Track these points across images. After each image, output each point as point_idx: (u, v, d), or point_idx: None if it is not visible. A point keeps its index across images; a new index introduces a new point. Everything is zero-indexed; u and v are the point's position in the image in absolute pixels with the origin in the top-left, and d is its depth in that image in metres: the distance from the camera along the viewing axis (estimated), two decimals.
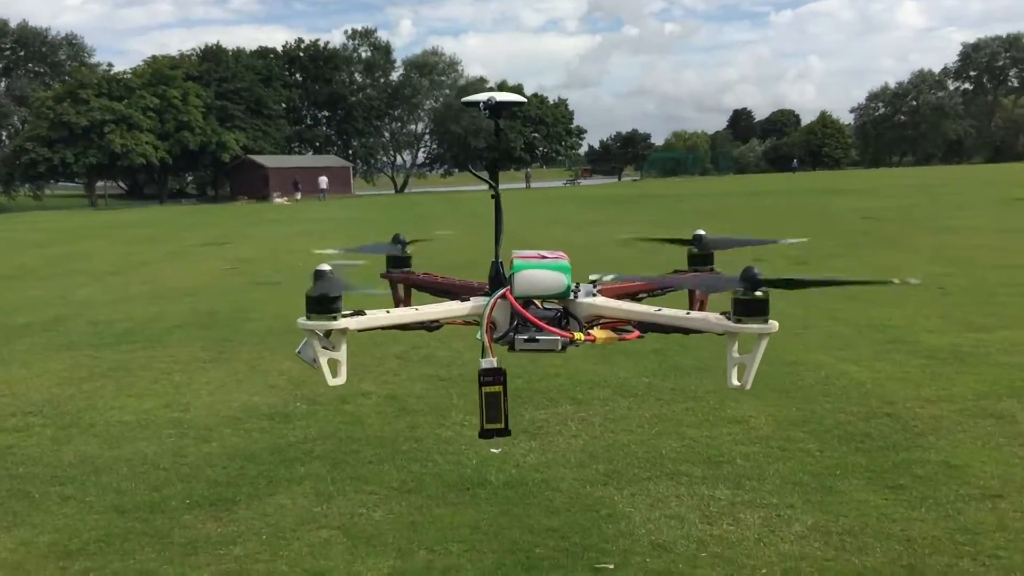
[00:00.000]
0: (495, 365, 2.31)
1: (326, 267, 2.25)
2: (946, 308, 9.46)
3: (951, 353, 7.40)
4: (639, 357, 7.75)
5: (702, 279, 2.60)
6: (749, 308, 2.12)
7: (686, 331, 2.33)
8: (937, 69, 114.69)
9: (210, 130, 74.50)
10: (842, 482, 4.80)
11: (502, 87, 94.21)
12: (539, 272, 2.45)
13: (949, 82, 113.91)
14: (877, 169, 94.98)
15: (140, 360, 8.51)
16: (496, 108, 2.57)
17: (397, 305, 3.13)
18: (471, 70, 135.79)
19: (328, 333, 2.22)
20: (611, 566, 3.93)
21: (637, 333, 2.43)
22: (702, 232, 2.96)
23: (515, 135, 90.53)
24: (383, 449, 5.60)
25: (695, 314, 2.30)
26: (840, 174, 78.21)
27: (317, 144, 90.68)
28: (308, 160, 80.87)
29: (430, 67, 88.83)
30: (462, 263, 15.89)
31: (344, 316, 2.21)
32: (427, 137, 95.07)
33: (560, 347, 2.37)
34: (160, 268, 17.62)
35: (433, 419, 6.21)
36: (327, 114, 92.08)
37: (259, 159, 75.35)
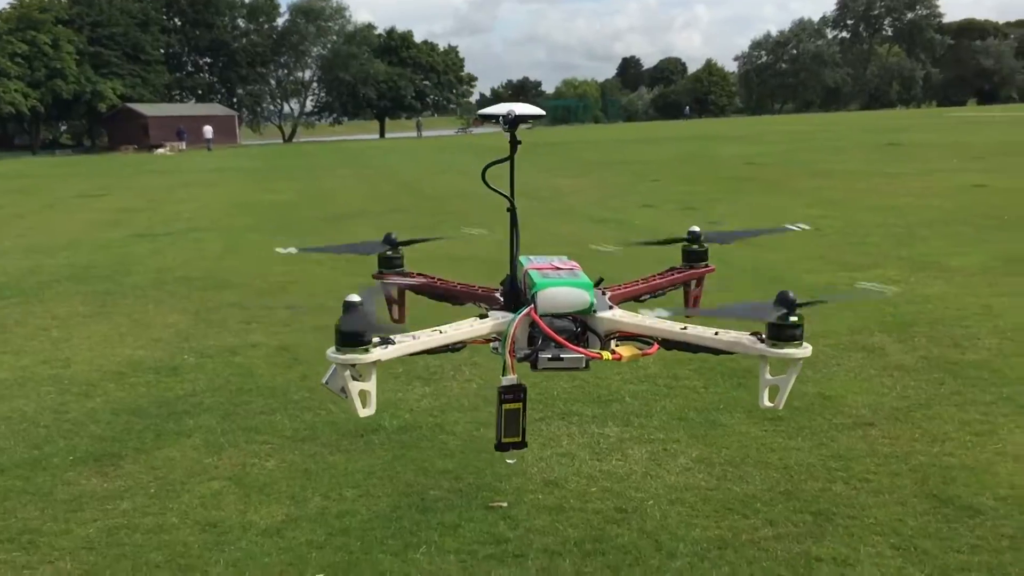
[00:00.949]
0: (516, 382, 2.29)
1: (356, 298, 2.19)
2: (823, 249, 9.85)
3: (829, 290, 7.72)
4: None
5: (734, 309, 2.52)
6: (784, 333, 2.11)
7: (715, 351, 2.28)
8: (817, 18, 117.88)
9: (84, 78, 71.04)
10: (725, 416, 4.99)
11: (391, 34, 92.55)
12: (563, 290, 2.40)
13: (828, 31, 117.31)
14: (760, 116, 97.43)
15: (15, 316, 8.17)
16: (515, 121, 2.56)
17: (390, 308, 3.00)
18: (359, 16, 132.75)
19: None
20: (504, 504, 4.00)
21: (656, 347, 2.40)
22: (697, 228, 2.95)
23: (405, 83, 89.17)
24: (275, 399, 5.55)
25: (724, 335, 2.25)
26: (725, 121, 80.00)
27: (199, 92, 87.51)
28: (191, 108, 78.05)
29: (316, 12, 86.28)
30: (355, 212, 15.72)
31: (375, 348, 2.16)
32: (315, 85, 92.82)
33: (584, 365, 2.33)
34: (35, 221, 16.87)
35: (325, 369, 6.14)
36: (209, 61, 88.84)
37: (138, 107, 72.35)
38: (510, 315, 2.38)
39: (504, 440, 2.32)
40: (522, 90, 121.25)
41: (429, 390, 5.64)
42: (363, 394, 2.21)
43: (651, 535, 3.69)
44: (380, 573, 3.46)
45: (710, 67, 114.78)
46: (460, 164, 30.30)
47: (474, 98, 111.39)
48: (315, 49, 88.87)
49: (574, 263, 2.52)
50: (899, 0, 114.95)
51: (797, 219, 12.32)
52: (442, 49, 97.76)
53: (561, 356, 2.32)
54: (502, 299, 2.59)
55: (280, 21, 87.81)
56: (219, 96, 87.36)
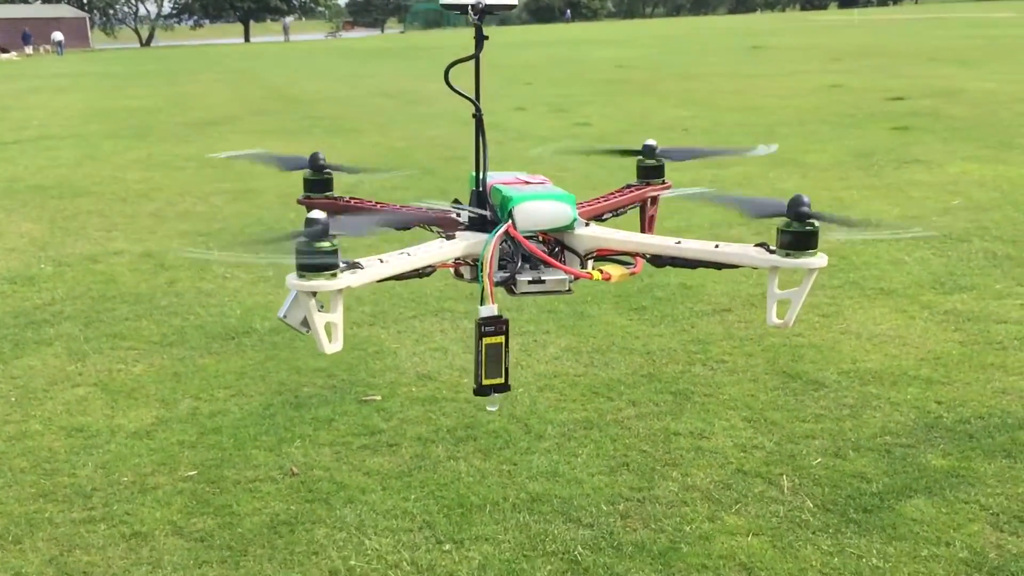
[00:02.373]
0: (496, 312, 1.97)
1: (320, 214, 1.76)
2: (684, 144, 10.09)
3: (691, 185, 7.96)
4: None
5: (748, 203, 2.20)
6: (799, 240, 1.88)
7: (717, 266, 2.04)
8: None
9: None
10: (592, 308, 5.15)
11: None
12: (543, 203, 2.10)
13: None
14: (632, 20, 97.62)
15: None
16: (484, 11, 2.14)
17: None
18: None
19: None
20: (378, 397, 4.07)
21: (641, 265, 2.14)
22: (653, 142, 2.58)
23: None
24: (140, 306, 5.41)
25: (727, 247, 2.03)
26: (597, 25, 79.93)
27: None
28: (36, 10, 72.80)
29: None
30: (220, 118, 15.15)
31: (342, 273, 1.80)
32: None
33: (567, 287, 2.06)
34: None
35: (193, 273, 6.03)
36: None
37: None
38: (478, 235, 2.12)
39: (484, 382, 1.98)
40: None
41: None
42: (328, 327, 1.85)
43: (521, 419, 3.82)
44: (254, 467, 3.49)
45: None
46: (330, 69, 29.43)
47: (343, 1, 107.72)
48: None
49: (542, 176, 2.25)
50: None
51: (667, 118, 12.55)
52: None
53: (543, 278, 2.07)
54: (463, 219, 2.27)
55: None
56: None
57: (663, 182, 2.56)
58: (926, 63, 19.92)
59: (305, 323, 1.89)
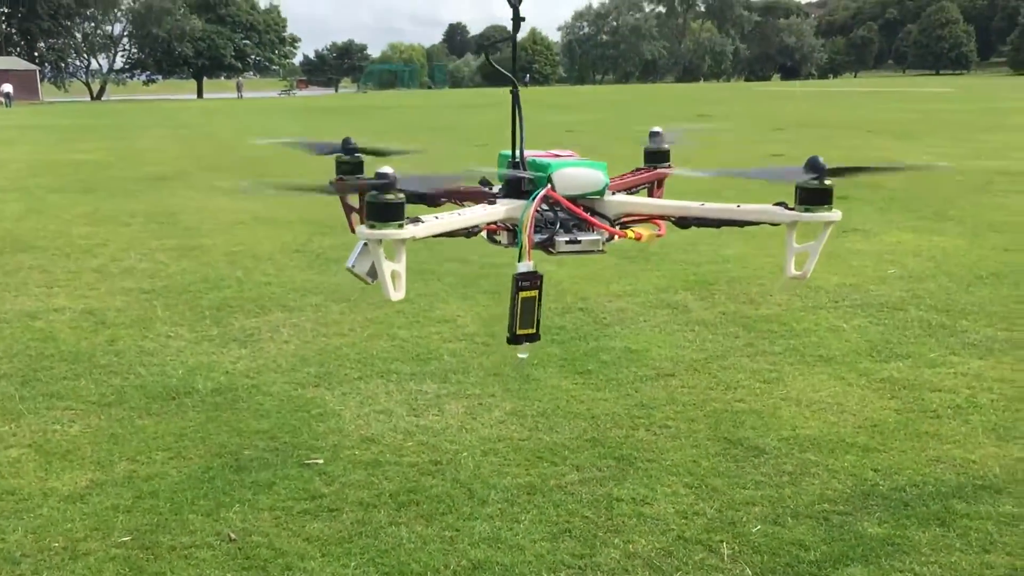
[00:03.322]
0: (532, 269, 2.16)
1: (389, 169, 1.98)
2: None
3: (638, 252, 8.06)
4: None
5: (765, 171, 2.43)
6: (816, 196, 2.11)
7: (741, 224, 2.27)
8: None
9: None
10: (538, 371, 5.17)
11: None
12: (579, 170, 2.30)
13: (645, 5, 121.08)
14: (582, 85, 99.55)
15: None
16: None
17: (349, 216, 2.70)
18: None
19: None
20: (320, 461, 4.03)
21: (665, 228, 2.34)
22: (659, 129, 2.83)
23: (224, 41, 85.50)
24: (79, 364, 5.31)
25: (749, 207, 2.22)
26: (549, 90, 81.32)
27: None
28: None
29: None
30: (170, 173, 15.05)
31: (407, 224, 2.00)
32: (126, 40, 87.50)
33: (601, 247, 2.24)
34: None
35: (135, 332, 5.95)
36: (6, 11, 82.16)
37: None
38: (517, 201, 2.29)
39: (519, 332, 2.21)
40: (347, 53, 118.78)
41: (246, 352, 5.55)
42: (394, 275, 2.06)
43: (464, 484, 3.81)
44: (190, 532, 3.42)
45: (534, 36, 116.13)
46: (283, 126, 29.52)
47: (298, 60, 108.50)
48: (125, 2, 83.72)
49: (571, 151, 2.45)
50: None
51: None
52: (263, 7, 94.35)
53: (579, 238, 2.24)
54: (496, 191, 2.46)
55: None
56: (18, 49, 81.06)
57: (668, 165, 2.76)
58: (864, 135, 20.56)
59: (371, 273, 2.14)
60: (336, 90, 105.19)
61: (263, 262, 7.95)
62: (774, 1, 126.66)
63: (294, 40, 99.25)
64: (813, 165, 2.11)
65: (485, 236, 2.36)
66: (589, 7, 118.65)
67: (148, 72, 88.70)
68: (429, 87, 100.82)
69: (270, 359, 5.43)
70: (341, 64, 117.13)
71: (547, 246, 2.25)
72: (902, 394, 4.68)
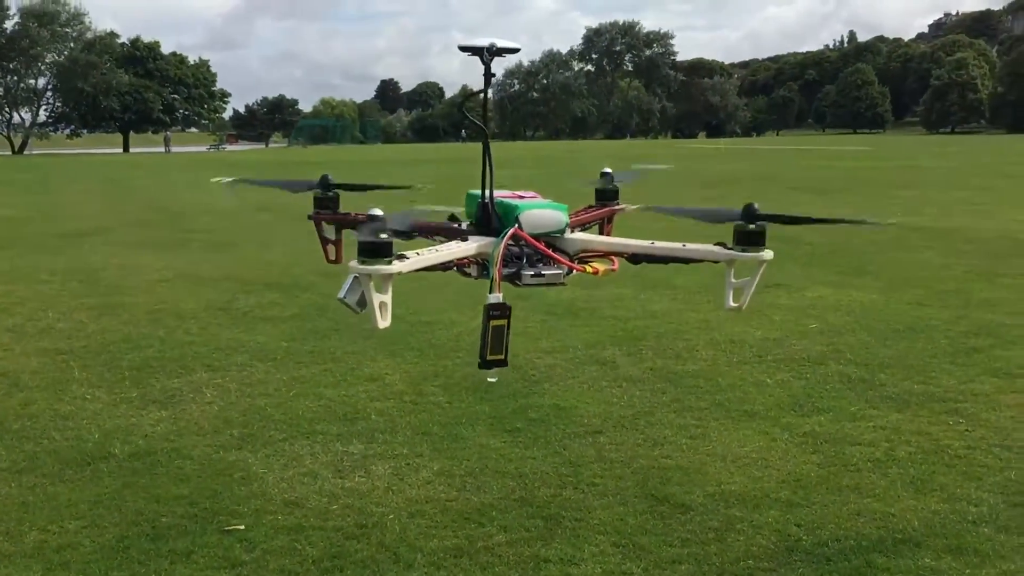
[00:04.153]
0: (501, 300, 2.37)
1: (379, 211, 2.24)
2: None
3: (567, 308, 8.14)
4: (278, 322, 7.71)
5: (705, 212, 2.79)
6: (751, 238, 2.38)
7: (685, 261, 2.59)
8: (565, 50, 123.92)
9: None
10: (467, 429, 5.14)
11: (136, 43, 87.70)
12: (544, 211, 2.57)
13: (575, 63, 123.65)
14: (514, 141, 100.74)
15: None
16: (495, 53, 2.64)
17: (324, 247, 3.10)
18: (102, 23, 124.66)
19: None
20: (242, 527, 3.92)
21: (618, 263, 2.63)
22: (609, 170, 3.12)
23: (152, 95, 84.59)
24: None
25: (693, 246, 2.52)
26: (478, 146, 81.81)
27: None
28: None
29: (51, 16, 79.79)
30: (92, 229, 14.73)
31: (394, 261, 2.24)
32: (49, 94, 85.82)
33: (563, 280, 2.50)
34: None
35: (50, 395, 5.76)
36: None
37: None
38: (487, 238, 2.50)
39: (489, 358, 2.39)
40: (278, 107, 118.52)
41: (166, 414, 5.41)
42: (382, 306, 2.29)
43: (390, 548, 3.74)
44: None
45: (464, 93, 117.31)
46: (210, 182, 29.18)
47: (227, 114, 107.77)
48: (49, 56, 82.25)
49: (533, 192, 2.72)
50: (638, 38, 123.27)
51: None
52: (193, 62, 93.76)
53: (543, 272, 2.49)
54: (465, 227, 2.70)
55: (8, 24, 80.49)
56: None
57: (616, 203, 3.12)
58: (787, 191, 21.17)
59: (360, 303, 2.39)
60: (267, 145, 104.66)
61: (187, 320, 7.80)
62: (699, 61, 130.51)
63: (224, 95, 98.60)
64: (748, 211, 2.42)
65: (455, 269, 2.66)
66: (519, 65, 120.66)
67: (72, 126, 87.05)
68: (361, 142, 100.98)
69: (191, 421, 5.30)
70: (272, 119, 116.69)
71: (514, 279, 2.51)
72: (824, 448, 4.76)
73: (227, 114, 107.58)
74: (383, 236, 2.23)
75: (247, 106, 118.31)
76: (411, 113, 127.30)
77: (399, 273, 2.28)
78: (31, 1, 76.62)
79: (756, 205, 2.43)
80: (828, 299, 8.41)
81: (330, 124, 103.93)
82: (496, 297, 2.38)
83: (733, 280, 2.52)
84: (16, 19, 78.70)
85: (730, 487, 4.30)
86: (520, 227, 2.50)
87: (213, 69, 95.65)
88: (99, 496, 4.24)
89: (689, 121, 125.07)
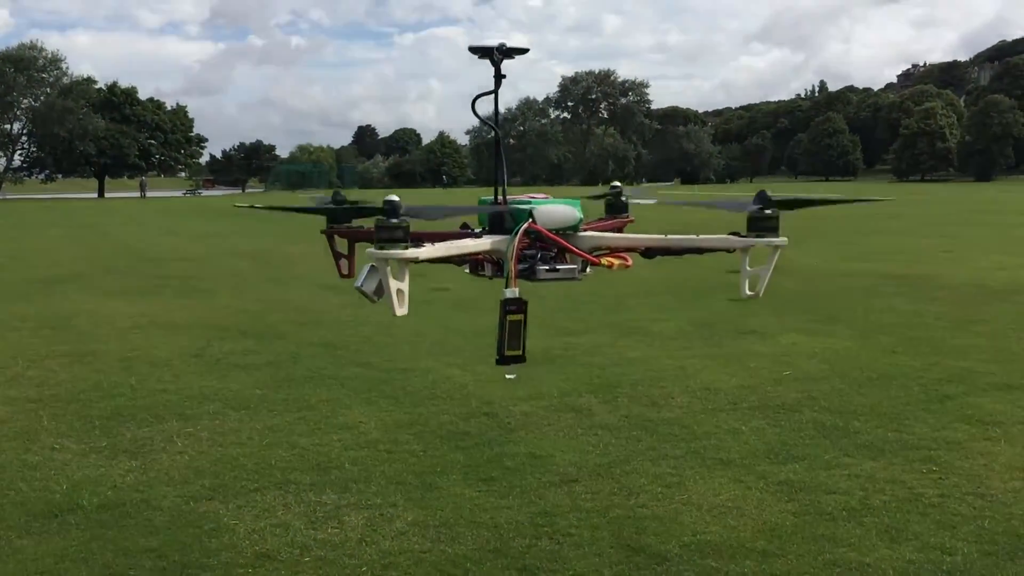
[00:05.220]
0: (518, 295, 2.36)
1: (395, 198, 2.25)
2: (542, 314, 10.34)
3: (543, 355, 8.12)
4: (252, 370, 7.65)
5: (716, 202, 2.85)
6: (765, 224, 2.41)
7: (700, 251, 2.62)
8: (541, 98, 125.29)
9: None
10: (442, 479, 5.10)
11: (113, 89, 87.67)
12: (557, 207, 2.58)
13: (551, 111, 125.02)
14: (490, 187, 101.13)
15: None
16: (507, 53, 2.68)
17: (337, 262, 3.06)
18: (79, 68, 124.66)
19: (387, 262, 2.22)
20: None
21: (632, 260, 2.63)
22: (619, 184, 3.16)
23: (128, 141, 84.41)
24: None
25: (707, 236, 2.55)
26: (458, 191, 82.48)
27: None
28: None
29: (27, 62, 79.70)
30: (66, 275, 14.60)
31: (410, 247, 2.24)
32: (24, 139, 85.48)
33: (578, 275, 2.52)
34: None
35: (18, 444, 5.67)
36: None
37: None
38: (503, 236, 2.50)
39: (507, 353, 2.37)
40: (256, 153, 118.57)
41: (136, 464, 5.33)
42: (399, 293, 2.28)
43: None
44: None
45: (443, 139, 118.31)
46: (186, 227, 29.09)
47: (204, 159, 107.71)
48: (25, 101, 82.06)
49: (544, 194, 2.74)
50: (613, 87, 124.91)
51: (523, 285, 12.88)
52: (170, 108, 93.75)
53: (557, 267, 2.50)
54: (478, 232, 2.71)
55: None
56: None
57: (626, 215, 3.16)
58: None
59: (377, 291, 2.39)
60: (243, 190, 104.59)
61: (159, 368, 7.72)
62: (673, 109, 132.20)
63: (201, 140, 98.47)
64: (761, 197, 2.48)
65: (468, 270, 2.73)
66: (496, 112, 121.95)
67: (47, 171, 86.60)
68: (339, 187, 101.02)
69: (162, 471, 5.23)
70: (249, 164, 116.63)
71: (529, 275, 2.50)
72: (799, 496, 4.76)
73: (204, 159, 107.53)
74: (400, 221, 2.25)
75: (224, 151, 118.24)
76: (388, 159, 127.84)
77: (416, 259, 2.29)
78: (7, 46, 76.56)
79: (769, 192, 2.50)
80: (802, 346, 8.46)
81: (307, 169, 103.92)
82: (512, 292, 2.37)
83: (748, 268, 2.53)
84: None
85: (706, 537, 4.28)
86: (534, 222, 2.50)
87: (190, 115, 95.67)
88: (66, 549, 4.16)
89: (664, 168, 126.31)
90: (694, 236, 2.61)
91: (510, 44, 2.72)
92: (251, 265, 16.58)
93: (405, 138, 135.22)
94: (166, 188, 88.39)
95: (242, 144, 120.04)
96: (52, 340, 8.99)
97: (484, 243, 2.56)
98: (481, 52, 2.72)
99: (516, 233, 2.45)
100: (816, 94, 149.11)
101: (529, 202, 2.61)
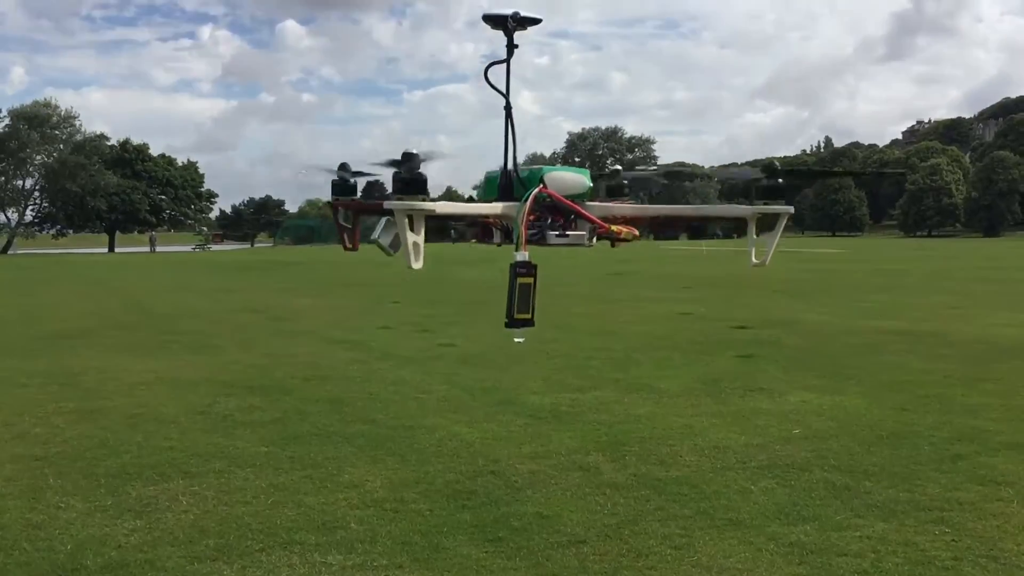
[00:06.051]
0: (527, 259, 2.40)
1: (415, 150, 2.30)
2: (549, 371, 10.34)
3: (551, 412, 8.10)
4: (258, 427, 7.63)
5: (730, 172, 2.93)
6: (772, 193, 2.49)
7: (708, 220, 2.80)
8: (549, 153, 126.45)
9: None
10: (448, 539, 5.05)
11: (124, 145, 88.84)
12: (567, 174, 2.63)
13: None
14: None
15: None
16: (521, 22, 2.70)
17: (342, 235, 3.03)
18: (92, 125, 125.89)
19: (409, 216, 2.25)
20: None
21: (636, 233, 2.70)
22: (619, 167, 3.21)
23: (139, 196, 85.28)
24: None
25: (715, 206, 2.77)
26: (463, 247, 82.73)
27: None
28: None
29: (41, 119, 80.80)
30: (75, 331, 14.63)
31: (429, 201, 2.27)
32: (37, 194, 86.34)
33: (587, 242, 2.58)
34: None
35: (23, 503, 5.65)
36: None
37: None
38: (513, 202, 2.53)
39: (516, 316, 2.40)
40: (265, 208, 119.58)
41: (141, 523, 5.30)
42: (415, 246, 2.31)
43: None
44: None
45: (450, 194, 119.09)
46: (195, 282, 29.22)
47: (214, 214, 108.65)
48: (39, 157, 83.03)
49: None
50: (620, 143, 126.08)
51: (529, 341, 12.83)
52: (181, 164, 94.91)
53: (567, 233, 2.55)
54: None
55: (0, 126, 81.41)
56: None
57: (626, 196, 3.13)
58: (767, 294, 21.32)
59: (393, 245, 2.45)
60: (252, 245, 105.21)
61: (166, 425, 7.70)
62: (679, 164, 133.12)
63: (211, 195, 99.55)
64: (769, 167, 2.54)
65: (476, 241, 2.82)
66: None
67: (59, 226, 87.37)
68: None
69: (167, 531, 5.19)
70: (258, 219, 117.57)
71: (539, 241, 2.59)
72: (810, 559, 4.70)
73: (214, 214, 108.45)
74: (420, 174, 2.29)
75: (234, 206, 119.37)
76: None
77: (433, 212, 2.32)
78: (23, 103, 77.68)
79: (776, 162, 2.58)
80: (811, 404, 8.41)
81: (315, 225, 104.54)
82: (523, 255, 2.41)
83: (755, 236, 2.63)
84: (6, 121, 79.73)
85: None
86: (545, 186, 2.56)
87: (201, 170, 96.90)
88: None
89: (671, 222, 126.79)
90: (703, 206, 2.81)
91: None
92: (259, 319, 16.62)
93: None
94: (176, 243, 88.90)
95: (252, 199, 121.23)
96: (59, 397, 8.99)
97: (496, 207, 2.62)
98: (495, 20, 2.74)
99: (527, 196, 2.49)
100: (821, 150, 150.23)
101: (541, 167, 2.68)
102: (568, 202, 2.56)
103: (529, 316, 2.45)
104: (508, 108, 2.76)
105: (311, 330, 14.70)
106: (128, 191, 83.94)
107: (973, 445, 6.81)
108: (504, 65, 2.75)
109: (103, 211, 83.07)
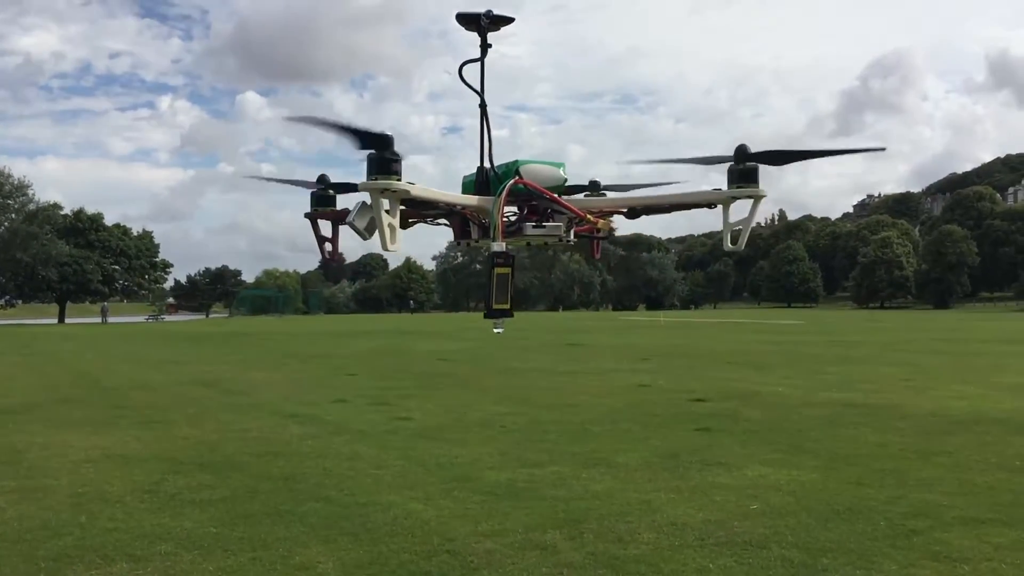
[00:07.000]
0: (504, 249, 2.42)
1: (389, 133, 2.30)
2: (507, 445, 10.23)
3: (507, 488, 7.99)
4: (207, 506, 7.43)
5: (698, 160, 2.84)
6: (745, 176, 2.49)
7: (685, 206, 2.68)
8: None
9: None
10: None
11: (78, 215, 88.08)
12: (542, 166, 2.63)
13: None
14: (456, 313, 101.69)
15: None
16: (493, 20, 2.73)
17: (321, 245, 3.01)
18: (46, 195, 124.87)
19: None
20: None
21: (616, 224, 2.75)
22: (599, 180, 3.14)
23: (92, 266, 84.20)
24: None
25: (691, 192, 2.64)
26: (423, 317, 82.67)
27: None
28: None
29: None
30: (19, 405, 14.25)
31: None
32: None
33: (564, 238, 2.60)
34: None
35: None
36: None
37: None
38: (489, 197, 2.55)
39: (495, 307, 2.44)
40: (221, 278, 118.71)
41: None
42: (391, 228, 2.29)
43: None
44: None
45: (409, 265, 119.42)
46: (146, 354, 28.71)
47: (168, 284, 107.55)
48: None
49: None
50: None
51: (486, 415, 12.72)
52: (136, 233, 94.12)
53: (544, 224, 2.60)
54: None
55: None
56: None
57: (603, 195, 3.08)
58: (724, 366, 21.47)
59: (368, 228, 2.42)
60: (207, 315, 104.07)
61: (111, 505, 7.47)
62: (637, 236, 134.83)
63: (166, 265, 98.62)
64: (741, 152, 2.54)
65: (457, 241, 2.82)
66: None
67: (8, 296, 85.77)
68: (304, 312, 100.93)
69: None
70: (214, 289, 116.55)
71: (516, 232, 2.61)
72: None
73: (168, 284, 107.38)
74: (394, 154, 2.26)
75: (189, 276, 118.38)
76: (354, 284, 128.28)
77: (408, 194, 2.30)
78: None
79: (748, 146, 2.57)
80: (768, 478, 8.39)
81: (272, 295, 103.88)
82: (500, 245, 2.43)
83: (730, 221, 2.63)
84: None
85: None
86: (521, 178, 2.57)
87: (156, 239, 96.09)
88: None
89: (629, 293, 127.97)
90: (679, 192, 2.72)
91: (497, 11, 2.78)
92: (211, 393, 16.32)
93: (371, 263, 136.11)
94: (129, 313, 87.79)
95: (207, 269, 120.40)
96: (1, 475, 8.70)
97: (472, 199, 2.64)
98: (467, 20, 2.77)
99: (503, 187, 2.52)
100: (776, 223, 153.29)
101: (516, 160, 2.68)
102: (544, 191, 2.59)
103: (507, 306, 2.49)
104: (483, 106, 2.79)
105: (264, 403, 14.45)
106: (80, 261, 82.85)
107: (928, 520, 6.81)
108: (479, 64, 2.81)
109: (54, 281, 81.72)
